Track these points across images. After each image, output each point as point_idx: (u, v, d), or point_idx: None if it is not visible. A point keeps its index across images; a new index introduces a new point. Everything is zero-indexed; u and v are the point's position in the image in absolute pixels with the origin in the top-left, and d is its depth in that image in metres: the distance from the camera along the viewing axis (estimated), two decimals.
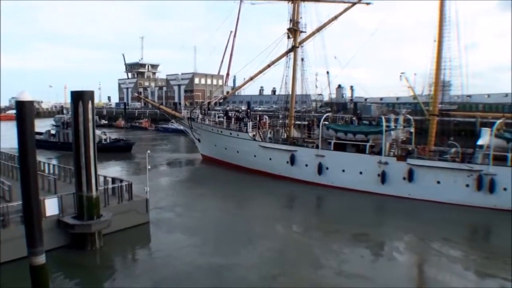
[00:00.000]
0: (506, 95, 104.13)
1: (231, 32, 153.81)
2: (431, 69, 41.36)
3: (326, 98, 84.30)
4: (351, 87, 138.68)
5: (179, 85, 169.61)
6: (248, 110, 60.41)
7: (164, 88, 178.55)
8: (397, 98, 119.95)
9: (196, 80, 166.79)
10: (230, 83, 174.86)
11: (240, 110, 63.70)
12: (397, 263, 25.52)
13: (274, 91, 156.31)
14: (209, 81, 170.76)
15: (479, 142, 38.63)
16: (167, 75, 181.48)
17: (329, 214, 37.12)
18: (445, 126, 43.32)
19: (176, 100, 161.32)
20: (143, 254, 26.30)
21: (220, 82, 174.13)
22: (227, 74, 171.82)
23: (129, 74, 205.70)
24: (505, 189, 35.43)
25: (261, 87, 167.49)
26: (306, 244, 28.03)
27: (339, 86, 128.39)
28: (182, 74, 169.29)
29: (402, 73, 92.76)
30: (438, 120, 42.44)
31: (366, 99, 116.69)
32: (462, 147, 39.76)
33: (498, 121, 38.11)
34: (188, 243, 27.10)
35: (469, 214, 34.93)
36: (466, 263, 25.73)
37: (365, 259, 25.66)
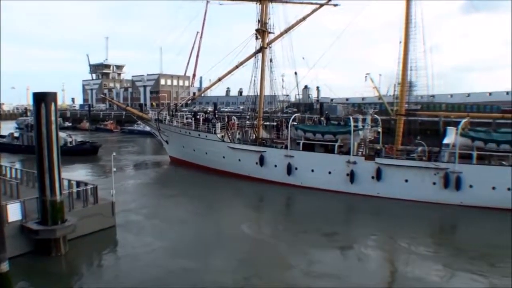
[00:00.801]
0: (468, 95, 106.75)
1: (197, 32, 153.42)
2: (398, 69, 41.97)
3: (292, 99, 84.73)
4: (317, 87, 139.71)
5: (144, 86, 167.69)
6: (215, 111, 60.05)
7: (130, 89, 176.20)
8: (363, 99, 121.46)
9: (162, 81, 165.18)
10: (196, 84, 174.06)
11: (208, 111, 63.18)
12: (368, 262, 25.60)
13: (240, 92, 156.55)
14: (175, 82, 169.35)
15: (445, 141, 39.45)
16: (132, 76, 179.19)
17: (298, 214, 37.13)
18: (411, 125, 43.90)
19: (142, 101, 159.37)
20: (110, 259, 25.69)
21: (187, 83, 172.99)
22: (194, 75, 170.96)
23: (94, 75, 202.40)
24: (471, 186, 36.35)
25: (228, 88, 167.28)
26: (276, 245, 27.89)
27: (306, 87, 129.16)
28: (148, 75, 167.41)
29: (367, 73, 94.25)
30: (405, 120, 42.98)
31: (332, 100, 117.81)
32: (428, 146, 40.38)
33: (463, 120, 38.95)
34: (157, 246, 26.63)
35: (437, 212, 35.61)
36: (435, 259, 26.04)
37: (335, 259, 25.79)
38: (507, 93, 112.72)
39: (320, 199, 39.86)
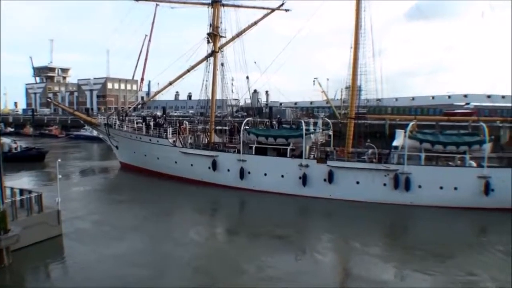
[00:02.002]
0: (413, 98, 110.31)
1: (146, 36, 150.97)
2: (347, 74, 42.82)
3: (242, 103, 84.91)
4: (266, 92, 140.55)
5: (91, 90, 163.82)
6: (164, 116, 59.24)
7: (76, 93, 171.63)
8: (311, 103, 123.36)
9: (109, 85, 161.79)
10: (144, 88, 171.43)
11: (159, 116, 62.23)
12: (321, 264, 25.92)
13: (190, 96, 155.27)
14: (122, 86, 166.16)
15: (394, 143, 40.64)
16: (78, 80, 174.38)
17: (251, 218, 37.09)
18: (361, 128, 44.81)
19: (89, 105, 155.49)
20: (58, 269, 24.69)
21: (135, 87, 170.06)
22: (142, 79, 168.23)
23: (38, 79, 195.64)
24: (420, 186, 37.72)
25: (177, 92, 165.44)
26: (229, 250, 27.83)
27: (255, 91, 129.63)
28: (94, 78, 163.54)
29: (315, 78, 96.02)
30: (355, 123, 43.86)
31: (281, 104, 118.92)
32: (377, 148, 41.39)
33: (411, 123, 40.16)
34: (108, 255, 25.96)
35: (388, 212, 36.71)
36: (387, 259, 26.71)
37: (288, 262, 25.88)
38: (449, 96, 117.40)
39: (273, 202, 40.05)
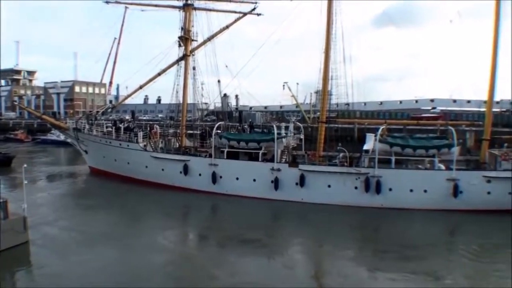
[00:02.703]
0: (381, 103, 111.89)
1: (115, 39, 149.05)
2: (318, 78, 43.18)
3: (212, 107, 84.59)
4: (236, 96, 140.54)
5: (58, 94, 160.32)
6: (133, 119, 58.42)
7: (42, 97, 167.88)
8: (281, 107, 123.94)
9: (77, 89, 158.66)
10: (113, 91, 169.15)
11: (130, 120, 61.32)
12: (294, 268, 25.97)
13: (159, 100, 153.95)
14: (90, 90, 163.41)
15: (365, 147, 41.26)
16: (45, 83, 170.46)
17: (224, 222, 36.89)
18: (332, 132, 45.15)
19: (56, 109, 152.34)
20: (24, 277, 24.12)
21: (103, 91, 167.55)
22: (110, 83, 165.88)
23: (3, 81, 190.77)
24: (390, 189, 38.38)
25: (146, 96, 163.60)
26: (202, 255, 27.81)
27: (225, 95, 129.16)
28: (61, 82, 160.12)
29: (285, 82, 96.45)
30: (326, 127, 44.19)
31: (251, 108, 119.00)
32: (348, 152, 41.80)
33: (381, 127, 40.68)
34: (77, 261, 25.40)
35: (359, 215, 37.26)
36: (359, 261, 27.07)
37: (260, 266, 25.86)
38: (416, 101, 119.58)
39: (245, 206, 39.99)
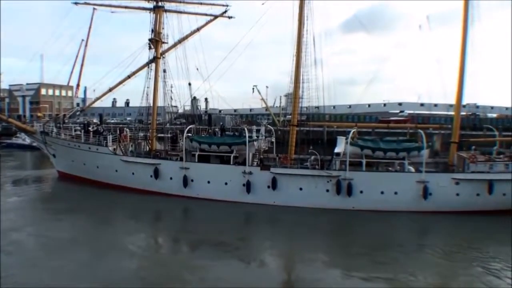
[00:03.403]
0: (350, 106, 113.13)
1: (82, 40, 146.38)
2: (288, 81, 43.40)
3: (181, 110, 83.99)
4: (206, 99, 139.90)
5: (23, 96, 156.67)
6: (101, 123, 57.43)
7: (7, 100, 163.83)
8: (251, 110, 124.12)
9: (43, 91, 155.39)
10: (80, 94, 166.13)
11: (98, 123, 60.29)
12: (266, 271, 26.03)
13: (127, 103, 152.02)
14: (57, 92, 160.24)
15: (336, 150, 41.54)
16: (10, 85, 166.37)
17: (195, 226, 36.31)
18: (303, 135, 45.32)
19: (21, 112, 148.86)
20: None
21: (70, 93, 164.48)
22: (78, 85, 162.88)
23: None
24: (361, 191, 38.83)
25: (114, 99, 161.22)
26: (173, 260, 27.53)
27: (194, 98, 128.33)
28: (27, 84, 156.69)
29: (254, 85, 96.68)
30: (295, 130, 44.32)
31: (220, 111, 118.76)
32: (320, 154, 42.04)
33: (352, 130, 41.05)
34: (46, 267, 24.87)
35: (331, 217, 37.41)
36: (331, 263, 27.26)
37: (232, 270, 25.62)
38: (384, 104, 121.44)
39: (217, 210, 39.72)
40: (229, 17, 48.86)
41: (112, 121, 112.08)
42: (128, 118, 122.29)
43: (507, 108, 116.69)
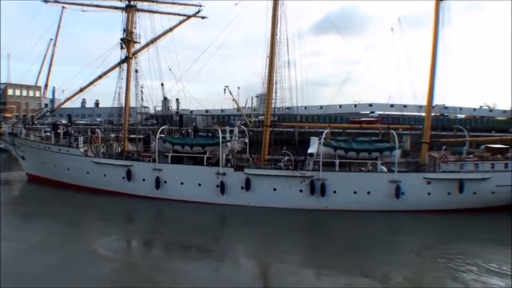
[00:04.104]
0: (321, 107, 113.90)
1: (51, 39, 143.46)
2: (260, 82, 43.48)
3: (152, 111, 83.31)
4: (177, 99, 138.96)
5: None
6: (70, 124, 56.19)
7: None
8: (222, 110, 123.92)
9: (10, 92, 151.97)
10: (49, 95, 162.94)
11: (67, 124, 58.92)
12: (240, 272, 25.96)
13: (97, 104, 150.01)
14: (25, 93, 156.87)
15: (310, 151, 41.74)
16: None
17: (168, 228, 36.06)
18: (277, 136, 45.32)
19: None
20: None
21: (38, 94, 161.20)
22: (46, 86, 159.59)
23: None
24: (335, 192, 39.15)
25: (83, 99, 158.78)
26: (145, 263, 27.17)
27: (165, 98, 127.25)
28: None
29: (226, 86, 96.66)
30: (268, 130, 44.37)
31: (192, 112, 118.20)
32: (292, 155, 42.17)
33: (325, 131, 41.32)
34: (15, 273, 24.09)
35: (305, 217, 37.60)
36: (305, 263, 27.53)
37: (207, 272, 25.43)
38: (355, 105, 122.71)
39: (191, 211, 39.49)
40: (202, 17, 48.65)
41: (82, 122, 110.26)
42: (98, 119, 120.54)
43: (474, 109, 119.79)
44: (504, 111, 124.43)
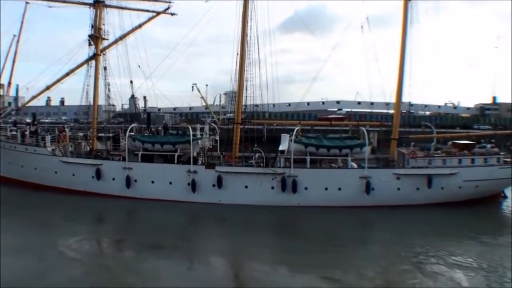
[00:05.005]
0: (289, 104, 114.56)
1: (14, 36, 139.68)
2: (230, 80, 43.56)
3: (119, 109, 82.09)
4: (144, 97, 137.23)
5: None
6: (34, 122, 54.78)
7: None
8: (190, 108, 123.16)
9: None
10: (12, 93, 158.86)
11: (33, 123, 57.38)
12: (213, 271, 25.92)
13: (62, 102, 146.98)
14: None
15: (281, 148, 41.90)
16: None
17: (139, 227, 35.48)
18: (247, 133, 45.29)
19: None
20: None
21: (1, 92, 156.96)
22: (9, 83, 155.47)
23: None
24: (306, 188, 39.55)
25: (48, 97, 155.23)
26: (117, 264, 26.83)
27: (132, 96, 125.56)
28: None
29: (194, 84, 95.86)
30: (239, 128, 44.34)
31: (159, 109, 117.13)
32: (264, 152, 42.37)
33: (296, 128, 41.55)
34: None
35: (276, 214, 38.03)
36: (277, 260, 27.72)
37: (178, 271, 25.41)
38: (323, 103, 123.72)
39: (162, 210, 39.19)
40: (172, 14, 48.19)
41: (47, 120, 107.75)
42: (63, 118, 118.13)
43: (439, 107, 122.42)
44: (468, 108, 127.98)
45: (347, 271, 25.13)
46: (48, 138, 46.03)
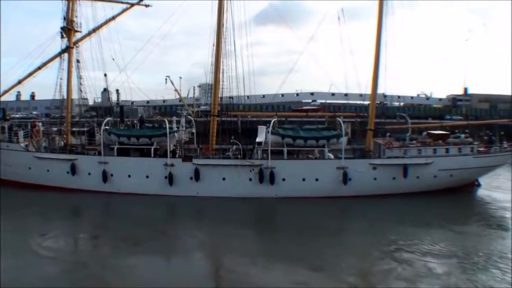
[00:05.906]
0: (263, 96, 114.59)
1: None
2: (210, 72, 43.40)
3: (91, 102, 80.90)
4: (117, 90, 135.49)
5: None
6: (5, 118, 53.34)
7: None
8: (164, 101, 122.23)
9: None
10: None
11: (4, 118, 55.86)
12: (191, 265, 25.69)
13: (33, 96, 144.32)
14: None
15: (258, 139, 41.93)
16: None
17: (116, 223, 35.14)
18: (225, 125, 45.14)
19: None
20: None
21: None
22: None
23: None
24: (284, 179, 39.80)
25: (18, 92, 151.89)
26: (93, 260, 26.24)
27: (105, 89, 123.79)
28: None
29: (167, 76, 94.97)
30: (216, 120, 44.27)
31: (133, 103, 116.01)
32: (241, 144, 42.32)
33: (273, 120, 41.62)
34: None
35: (254, 205, 38.10)
36: (257, 252, 27.68)
37: (157, 266, 25.11)
38: (297, 94, 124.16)
39: (139, 204, 38.81)
40: (146, 6, 47.60)
41: (17, 115, 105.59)
42: (34, 112, 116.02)
43: (412, 97, 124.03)
44: (440, 99, 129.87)
45: (325, 260, 25.34)
46: (21, 133, 45.07)
